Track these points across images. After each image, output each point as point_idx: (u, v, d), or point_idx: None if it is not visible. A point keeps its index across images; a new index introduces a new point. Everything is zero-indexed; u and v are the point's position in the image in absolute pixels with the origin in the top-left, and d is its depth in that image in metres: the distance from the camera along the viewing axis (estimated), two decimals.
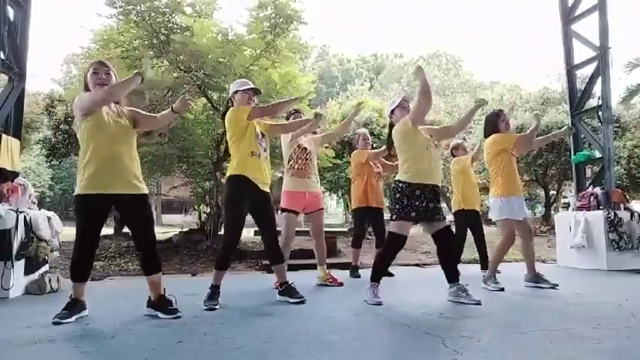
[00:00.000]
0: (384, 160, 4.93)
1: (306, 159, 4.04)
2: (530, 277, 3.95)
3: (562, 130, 4.74)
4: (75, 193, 2.73)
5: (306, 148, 4.05)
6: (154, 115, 3.06)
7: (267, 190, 3.32)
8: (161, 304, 2.82)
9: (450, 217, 4.17)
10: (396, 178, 3.35)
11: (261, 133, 3.35)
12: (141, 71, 2.75)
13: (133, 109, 3.02)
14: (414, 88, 33.66)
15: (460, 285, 3.22)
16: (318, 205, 4.13)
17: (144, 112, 3.07)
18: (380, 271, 3.32)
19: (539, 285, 3.86)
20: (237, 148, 3.22)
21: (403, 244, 3.29)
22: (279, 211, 4.03)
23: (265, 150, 3.34)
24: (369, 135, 5.02)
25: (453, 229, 3.76)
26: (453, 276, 3.26)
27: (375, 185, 4.75)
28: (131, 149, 2.84)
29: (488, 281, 3.85)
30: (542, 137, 4.44)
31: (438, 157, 3.38)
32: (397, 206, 3.23)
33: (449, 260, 3.33)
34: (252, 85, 3.40)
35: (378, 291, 3.23)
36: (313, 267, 5.32)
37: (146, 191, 2.88)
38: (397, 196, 3.25)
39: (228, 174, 3.31)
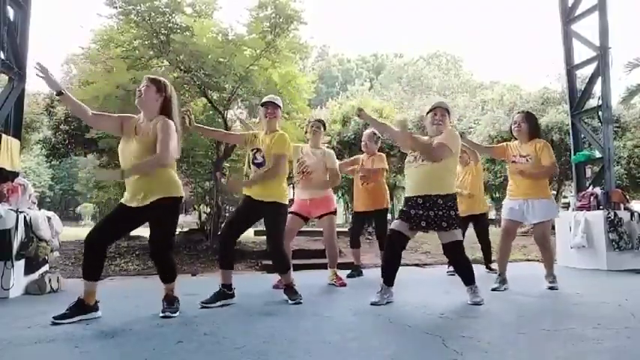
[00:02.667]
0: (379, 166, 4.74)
1: (306, 172, 4.10)
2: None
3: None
4: None
5: (307, 165, 4.10)
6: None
7: (266, 200, 3.25)
8: (163, 302, 2.85)
9: None
10: None
11: (257, 149, 3.34)
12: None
13: (162, 127, 2.85)
14: (415, 89, 33.73)
15: (469, 287, 3.24)
16: (324, 209, 4.14)
17: (161, 138, 2.92)
18: (384, 271, 3.31)
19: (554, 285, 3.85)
20: None
21: (396, 238, 3.24)
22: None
23: (259, 168, 3.32)
24: (372, 137, 4.78)
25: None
26: (465, 281, 3.28)
27: (361, 190, 4.71)
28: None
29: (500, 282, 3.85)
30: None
31: (424, 170, 3.22)
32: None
33: (459, 270, 3.38)
34: (266, 100, 3.47)
35: (385, 293, 3.21)
36: (314, 267, 5.35)
37: (159, 196, 2.77)
38: None
39: None
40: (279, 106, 3.45)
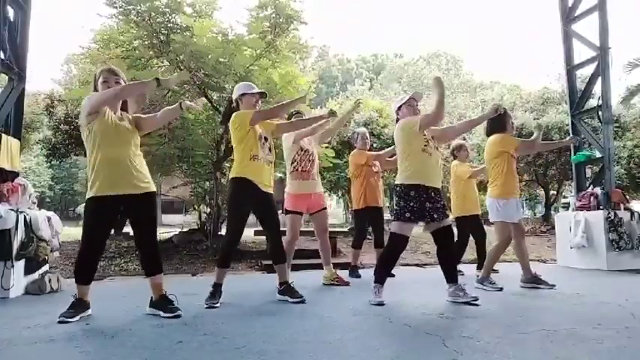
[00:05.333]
0: (383, 156, 4.91)
1: (309, 160, 4.06)
2: (527, 278, 3.93)
3: (567, 139, 4.82)
4: (87, 197, 2.78)
5: (308, 150, 4.05)
6: (154, 114, 3.04)
7: (269, 191, 3.33)
8: (162, 303, 2.83)
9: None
10: (395, 180, 3.35)
11: (265, 137, 3.34)
12: (161, 78, 2.75)
13: (136, 115, 3.01)
14: (415, 88, 33.74)
15: (458, 285, 3.22)
16: (322, 205, 4.14)
17: (145, 116, 3.05)
18: (383, 271, 3.30)
19: (537, 286, 3.85)
20: (239, 151, 3.28)
21: (404, 244, 3.27)
22: (284, 213, 4.03)
23: (269, 154, 3.33)
24: (368, 134, 4.94)
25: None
26: (451, 276, 3.25)
27: (374, 185, 4.71)
28: (136, 150, 2.88)
29: (484, 282, 3.84)
30: (546, 142, 4.30)
31: (437, 159, 3.33)
32: (396, 207, 3.29)
33: (448, 260, 3.31)
34: (257, 89, 3.43)
35: (382, 292, 3.21)
36: (313, 267, 5.34)
37: (153, 189, 2.89)
38: (396, 198, 3.32)
39: (230, 176, 3.36)
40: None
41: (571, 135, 6.67)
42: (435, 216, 3.19)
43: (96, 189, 2.73)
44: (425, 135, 3.27)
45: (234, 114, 3.33)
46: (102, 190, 2.72)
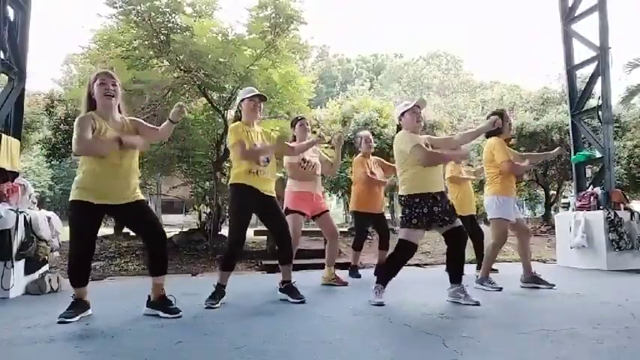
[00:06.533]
0: (386, 162, 4.92)
1: (312, 167, 4.07)
2: (528, 278, 3.93)
3: (553, 151, 4.65)
4: (70, 199, 2.72)
5: (310, 161, 4.06)
6: (157, 127, 3.00)
7: (272, 195, 3.32)
8: (161, 303, 2.82)
9: None
10: (399, 192, 3.36)
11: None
12: (123, 138, 2.70)
13: (136, 119, 3.00)
14: (414, 89, 33.74)
15: (460, 286, 3.21)
16: (323, 207, 4.14)
17: (146, 124, 3.01)
18: (387, 275, 3.29)
19: (537, 285, 3.85)
20: (235, 162, 3.29)
21: (412, 251, 3.25)
22: (284, 212, 4.02)
23: (266, 164, 3.28)
24: (371, 137, 4.90)
25: None
26: (456, 277, 3.24)
27: (376, 192, 4.68)
28: (131, 160, 2.83)
29: (484, 282, 3.84)
30: (535, 154, 4.41)
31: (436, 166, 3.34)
32: (401, 215, 3.30)
33: (455, 260, 3.30)
34: (256, 92, 3.40)
35: (383, 293, 3.21)
36: (313, 267, 5.34)
37: (139, 198, 2.86)
38: (401, 207, 3.32)
39: (229, 182, 3.35)
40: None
41: (570, 135, 6.70)
42: (447, 218, 3.18)
43: (80, 193, 2.68)
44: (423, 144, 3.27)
45: (229, 128, 3.34)
46: (86, 197, 2.68)
